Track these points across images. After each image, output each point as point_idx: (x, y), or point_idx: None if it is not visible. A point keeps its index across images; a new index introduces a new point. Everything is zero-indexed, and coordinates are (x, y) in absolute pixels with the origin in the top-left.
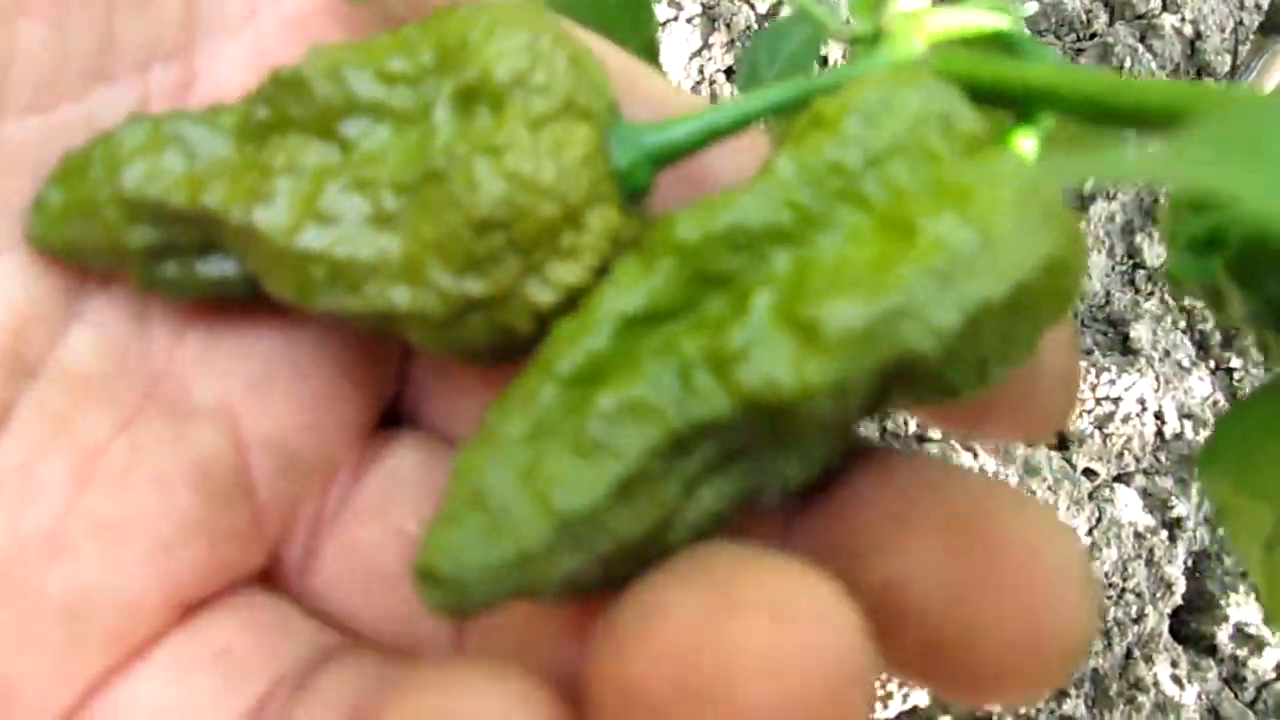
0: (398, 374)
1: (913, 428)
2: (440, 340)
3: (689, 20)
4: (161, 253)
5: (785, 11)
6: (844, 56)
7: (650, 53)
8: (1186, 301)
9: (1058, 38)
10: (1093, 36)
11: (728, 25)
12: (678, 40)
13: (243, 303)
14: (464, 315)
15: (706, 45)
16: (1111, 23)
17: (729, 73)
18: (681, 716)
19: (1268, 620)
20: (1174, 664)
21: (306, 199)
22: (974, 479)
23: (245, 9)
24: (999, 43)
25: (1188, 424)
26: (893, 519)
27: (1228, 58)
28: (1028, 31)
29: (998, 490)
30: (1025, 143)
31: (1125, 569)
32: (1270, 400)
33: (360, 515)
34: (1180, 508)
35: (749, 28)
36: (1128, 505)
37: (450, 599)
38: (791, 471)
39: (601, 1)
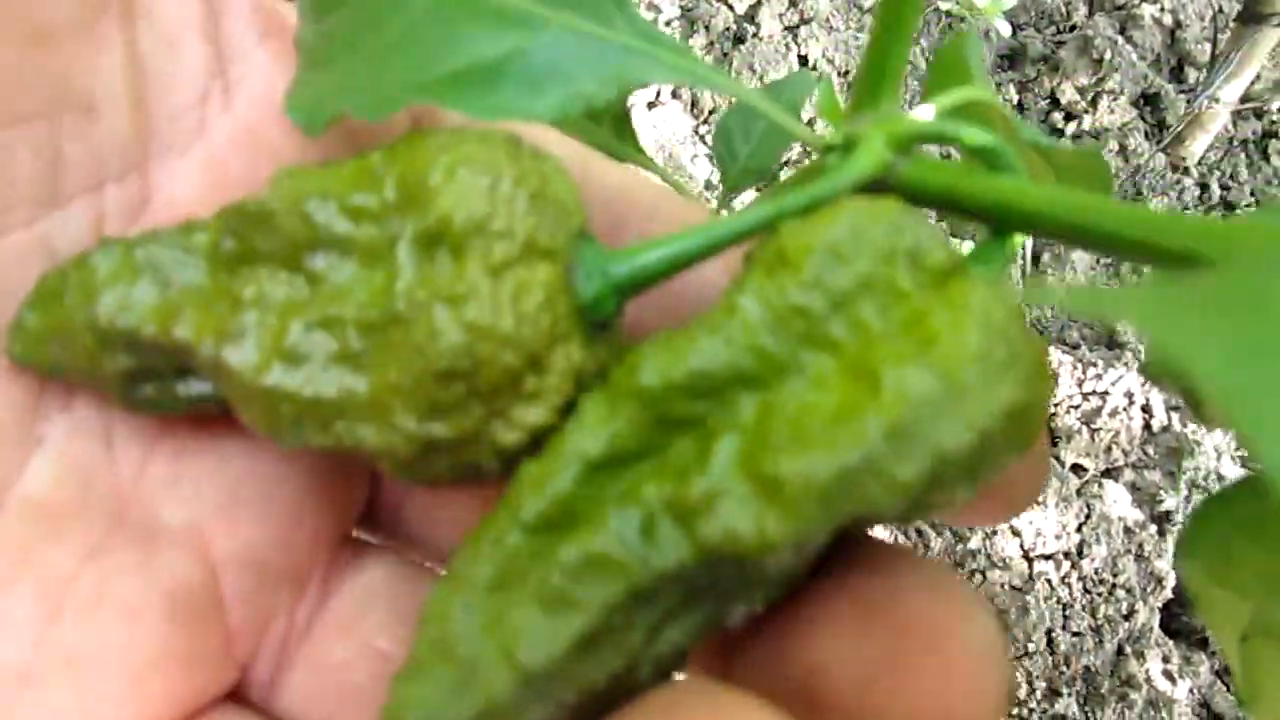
0: (368, 484)
1: None
2: (408, 474)
3: (667, 23)
4: (139, 376)
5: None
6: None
7: (621, 128)
8: None
9: (1037, 30)
10: (1073, 28)
11: (706, 27)
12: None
13: (212, 419)
14: (430, 455)
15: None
16: (1091, 14)
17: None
18: None
19: (1243, 703)
20: (1165, 659)
21: (274, 336)
22: (896, 557)
23: (196, 122)
24: (975, 153)
25: (1175, 416)
26: (816, 604)
27: (1207, 47)
28: (1004, 141)
29: (915, 569)
30: (1005, 249)
31: (1115, 564)
32: (1244, 497)
33: (331, 631)
34: (1169, 501)
35: (728, 29)
36: (1116, 500)
37: None
38: (755, 599)
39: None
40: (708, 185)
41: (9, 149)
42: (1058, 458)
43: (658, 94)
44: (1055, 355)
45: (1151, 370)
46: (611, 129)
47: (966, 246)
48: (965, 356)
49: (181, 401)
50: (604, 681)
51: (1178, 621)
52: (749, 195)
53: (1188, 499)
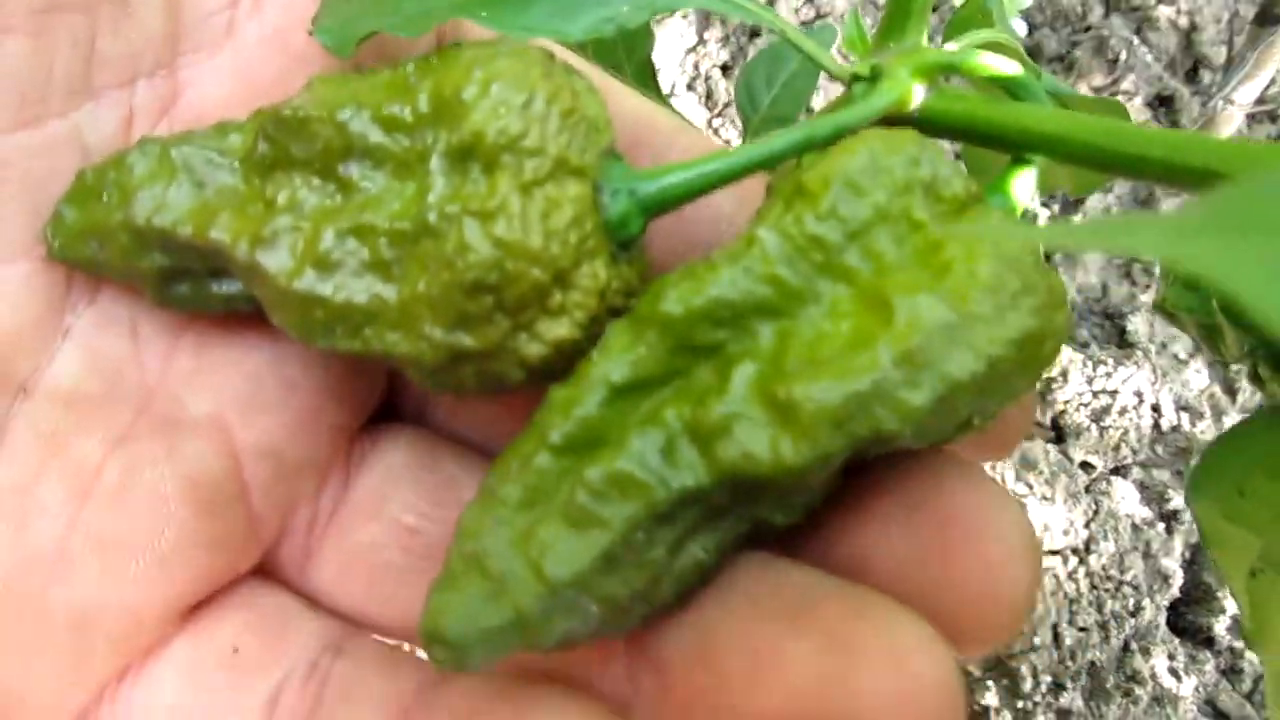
0: (385, 378)
1: None
2: (435, 382)
3: (683, 16)
4: (174, 275)
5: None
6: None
7: (646, 74)
8: None
9: (1053, 30)
10: (1088, 29)
11: (722, 21)
12: (672, 37)
13: (235, 315)
14: (456, 364)
15: (701, 41)
16: (1107, 14)
17: (724, 69)
18: None
19: (1249, 642)
20: (1171, 656)
21: (308, 242)
22: (932, 458)
23: (226, 24)
24: (999, 83)
25: (1185, 416)
26: (860, 501)
27: (1223, 49)
28: (1028, 64)
29: (953, 468)
30: (1023, 182)
31: (1122, 562)
32: (1258, 433)
33: (358, 514)
34: (1177, 500)
35: (743, 23)
36: (1125, 498)
37: (454, 659)
38: (776, 519)
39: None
40: None
41: (47, 37)
42: (1066, 454)
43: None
44: (1065, 353)
45: (1168, 305)
46: (635, 76)
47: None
48: (977, 286)
49: (215, 300)
50: (627, 596)
51: (1184, 620)
52: None
53: None
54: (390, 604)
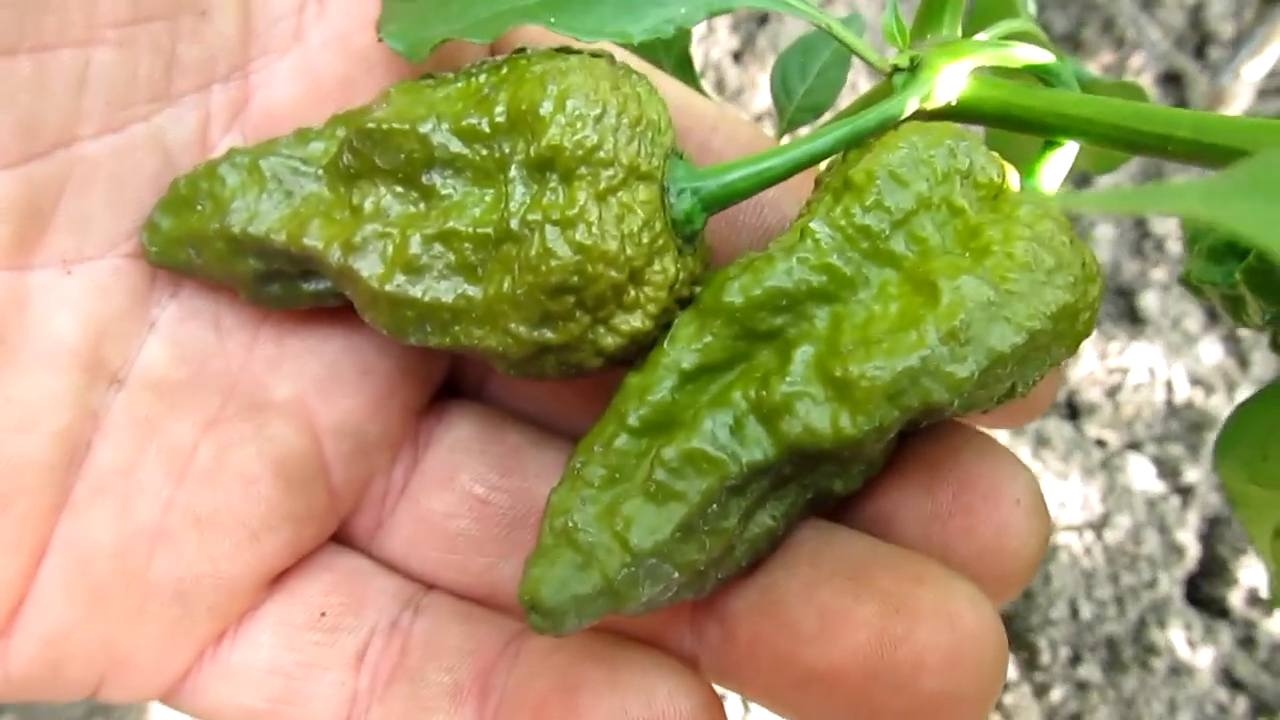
0: (449, 357)
1: None
2: (519, 370)
3: None
4: (268, 277)
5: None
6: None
7: (686, 68)
8: None
9: (1061, 9)
10: (1095, 7)
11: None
12: None
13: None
14: (539, 356)
15: (710, 29)
16: None
17: (736, 56)
18: (874, 701)
19: (1276, 601)
20: (1188, 628)
21: (397, 248)
22: (950, 429)
23: (293, 29)
24: (1031, 69)
25: (1198, 391)
26: (885, 467)
27: (1231, 25)
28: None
29: (969, 438)
30: (1054, 164)
31: (1138, 535)
32: None
33: (429, 486)
34: (1191, 474)
35: (751, 10)
36: (1139, 473)
37: (551, 624)
38: (837, 487)
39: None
40: None
41: (132, 46)
42: (1081, 431)
43: None
44: None
45: (1192, 278)
46: (675, 68)
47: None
48: (1014, 265)
49: (304, 297)
50: (704, 562)
51: (1200, 592)
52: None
53: (1210, 472)
54: (464, 569)
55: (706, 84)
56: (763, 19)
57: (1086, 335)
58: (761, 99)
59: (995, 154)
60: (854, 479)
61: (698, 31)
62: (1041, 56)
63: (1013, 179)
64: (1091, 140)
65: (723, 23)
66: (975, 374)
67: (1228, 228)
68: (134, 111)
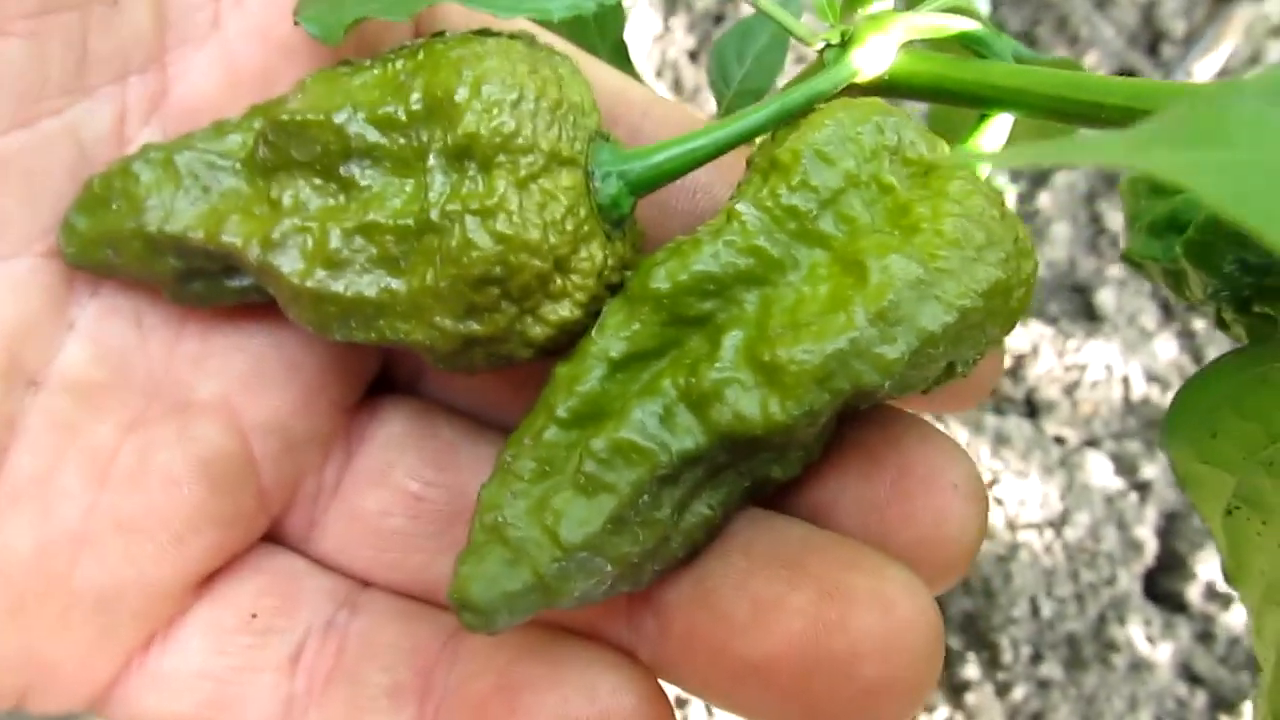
0: (380, 354)
1: None
2: (447, 364)
3: (650, 3)
4: (189, 275)
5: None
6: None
7: (620, 53)
8: None
9: (1015, 8)
10: (1049, 5)
11: (688, 7)
12: (639, 24)
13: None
14: (467, 348)
15: (667, 29)
16: None
17: (692, 55)
18: (811, 690)
19: (1229, 580)
20: (1147, 623)
21: (317, 243)
22: (889, 415)
23: (210, 19)
24: (964, 41)
25: (1154, 387)
26: (823, 454)
27: (1183, 24)
28: (990, 26)
29: (908, 424)
30: (989, 137)
31: (1097, 532)
32: (1228, 373)
33: (362, 483)
34: (1149, 470)
35: (708, 9)
36: (1098, 470)
37: (483, 622)
38: (775, 474)
39: (577, 6)
40: None
41: (42, 39)
42: (1039, 428)
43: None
44: (1035, 328)
45: (1134, 254)
46: (610, 55)
47: None
48: (944, 242)
49: (229, 294)
50: (638, 554)
51: (1158, 587)
52: None
53: (1167, 468)
54: (400, 567)
55: (664, 84)
56: (718, 18)
57: (1022, 312)
58: None
59: (925, 128)
60: (792, 465)
61: (653, 31)
62: (971, 25)
63: (944, 153)
64: (1025, 111)
65: (679, 22)
66: (906, 355)
67: (1149, 172)
68: (46, 105)
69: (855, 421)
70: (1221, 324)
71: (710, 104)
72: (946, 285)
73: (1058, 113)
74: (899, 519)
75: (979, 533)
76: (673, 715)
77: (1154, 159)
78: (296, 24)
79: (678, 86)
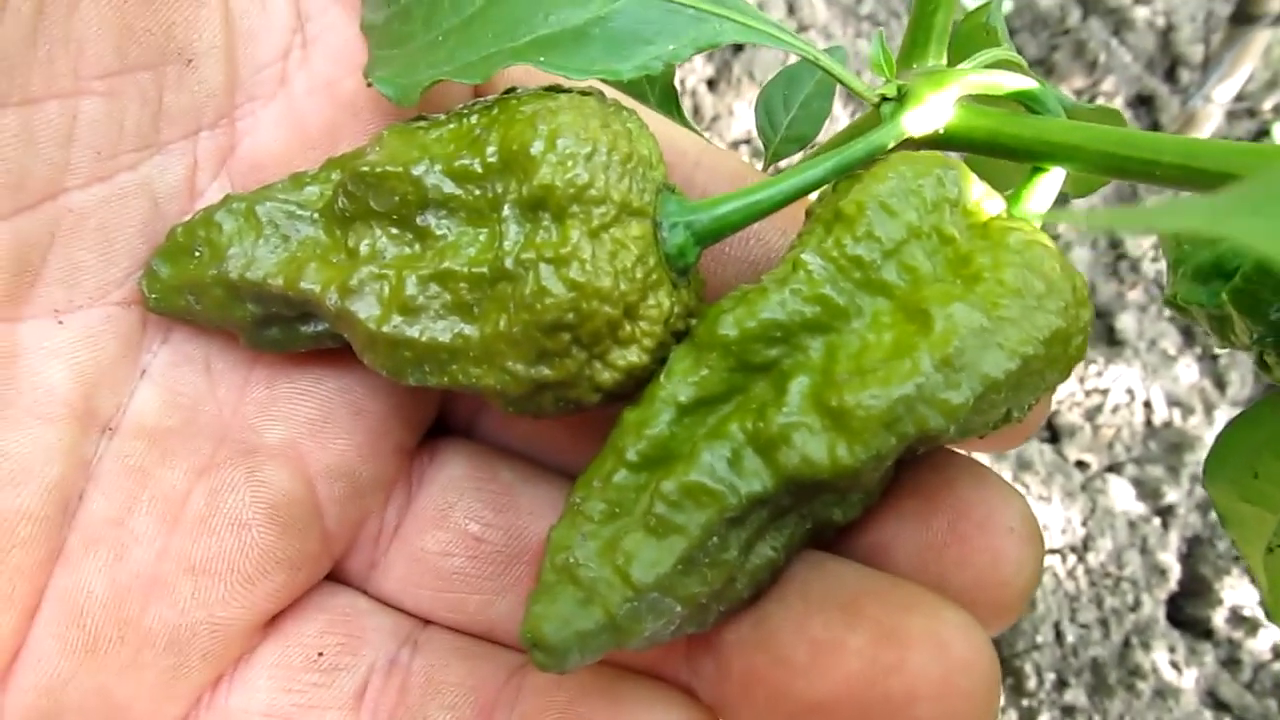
0: (439, 397)
1: None
2: (517, 408)
3: None
4: (266, 321)
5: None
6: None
7: (669, 99)
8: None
9: (1032, 34)
10: (1066, 32)
11: None
12: None
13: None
14: (537, 393)
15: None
16: (1085, 17)
17: (710, 84)
18: None
19: (1270, 616)
20: (1171, 649)
21: (393, 289)
22: (944, 457)
23: (279, 76)
24: (1016, 97)
25: (1176, 411)
26: (879, 497)
27: (1200, 48)
28: (1047, 85)
29: (960, 464)
30: (1042, 191)
31: (1120, 558)
32: (1267, 416)
33: (423, 525)
34: (1172, 495)
35: None
36: (1120, 495)
37: (555, 661)
38: (837, 516)
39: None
40: None
41: (119, 96)
42: (1061, 454)
43: None
44: None
45: (1179, 299)
46: (659, 102)
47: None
48: (1005, 291)
49: (303, 340)
50: (706, 594)
51: (1183, 613)
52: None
53: (1190, 493)
54: (460, 607)
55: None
56: (738, 47)
57: (1079, 359)
58: (738, 126)
59: (983, 182)
60: (853, 507)
61: None
62: (1026, 83)
63: (999, 206)
64: (1079, 166)
65: None
66: (970, 400)
67: (1235, 242)
68: (121, 160)
69: (912, 463)
70: (1263, 365)
71: (731, 132)
72: (1009, 333)
73: (1111, 169)
74: (955, 561)
75: (1035, 575)
76: None
77: (1238, 226)
78: (369, 85)
79: (697, 114)
